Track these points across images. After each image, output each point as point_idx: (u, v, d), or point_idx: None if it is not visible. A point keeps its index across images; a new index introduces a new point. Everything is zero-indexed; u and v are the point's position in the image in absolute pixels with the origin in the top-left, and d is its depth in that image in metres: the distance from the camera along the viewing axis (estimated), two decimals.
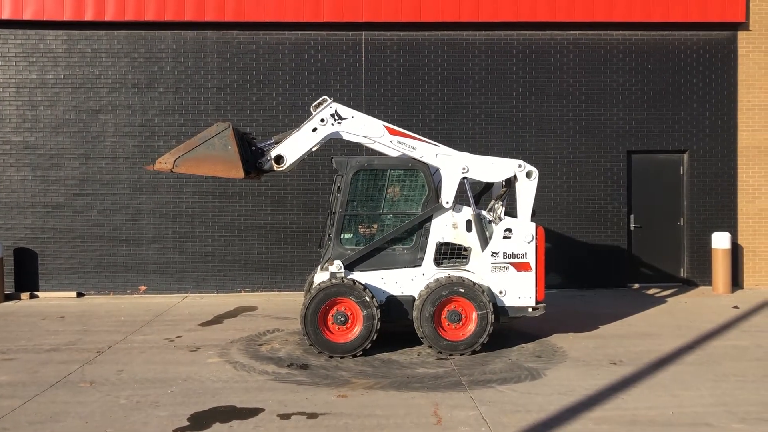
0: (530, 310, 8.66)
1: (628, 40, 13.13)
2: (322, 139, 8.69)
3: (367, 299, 8.22)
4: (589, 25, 13.00)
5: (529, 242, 8.63)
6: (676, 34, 13.14)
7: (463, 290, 8.34)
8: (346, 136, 8.73)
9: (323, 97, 8.85)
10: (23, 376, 7.65)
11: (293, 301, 12.04)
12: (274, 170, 8.67)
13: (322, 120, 8.64)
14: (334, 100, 8.79)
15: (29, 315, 11.07)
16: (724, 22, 12.93)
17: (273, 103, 12.92)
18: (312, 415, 6.32)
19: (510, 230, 8.64)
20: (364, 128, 8.69)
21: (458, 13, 12.67)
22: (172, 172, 8.41)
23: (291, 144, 8.63)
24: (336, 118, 8.64)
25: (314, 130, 8.64)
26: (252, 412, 6.41)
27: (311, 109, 8.91)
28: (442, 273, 8.60)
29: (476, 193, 9.77)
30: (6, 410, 6.50)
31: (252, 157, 8.61)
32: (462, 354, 8.35)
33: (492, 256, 8.62)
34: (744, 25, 13.10)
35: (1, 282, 12.24)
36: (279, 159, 8.63)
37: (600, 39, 13.11)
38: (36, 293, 12.70)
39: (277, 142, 8.82)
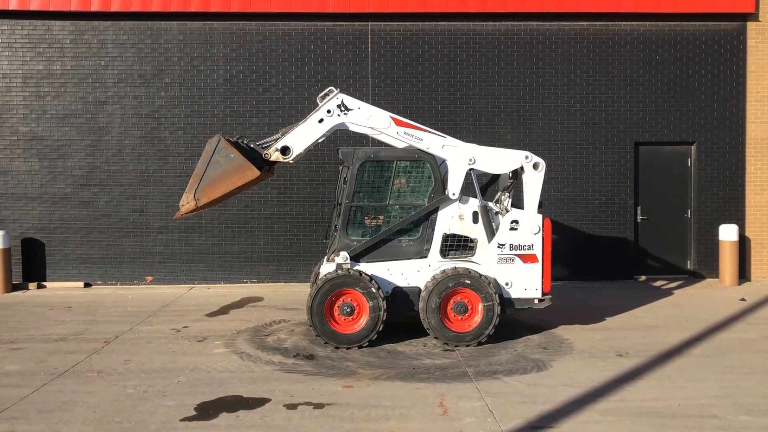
0: (536, 301, 8.65)
1: (637, 30, 13.04)
2: (328, 130, 8.68)
3: (373, 290, 8.23)
4: (597, 15, 12.92)
5: (535, 234, 8.62)
6: (684, 24, 13.05)
7: (469, 282, 8.34)
8: (352, 127, 8.72)
9: (329, 88, 8.83)
10: (31, 365, 7.70)
11: (299, 291, 12.06)
12: (280, 161, 8.67)
13: (329, 111, 8.62)
14: (341, 91, 8.77)
15: (37, 305, 11.13)
16: (733, 12, 12.83)
17: (279, 94, 12.91)
18: (318, 405, 6.35)
19: (517, 222, 8.63)
20: (370, 119, 8.67)
21: (465, 4, 12.61)
22: (197, 208, 8.43)
23: (297, 135, 8.62)
24: (342, 109, 8.62)
25: (320, 121, 8.62)
26: (258, 402, 6.44)
27: (317, 100, 8.89)
28: (449, 264, 8.59)
29: (483, 185, 9.76)
30: (15, 399, 6.55)
31: (256, 153, 8.63)
32: (468, 345, 8.35)
33: (498, 247, 8.61)
34: (753, 16, 12.99)
35: (9, 272, 12.30)
36: (285, 150, 8.62)
37: (608, 30, 13.03)
38: (43, 283, 12.76)
39: (284, 135, 8.81)
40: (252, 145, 8.79)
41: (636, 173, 13.23)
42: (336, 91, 8.70)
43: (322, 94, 8.85)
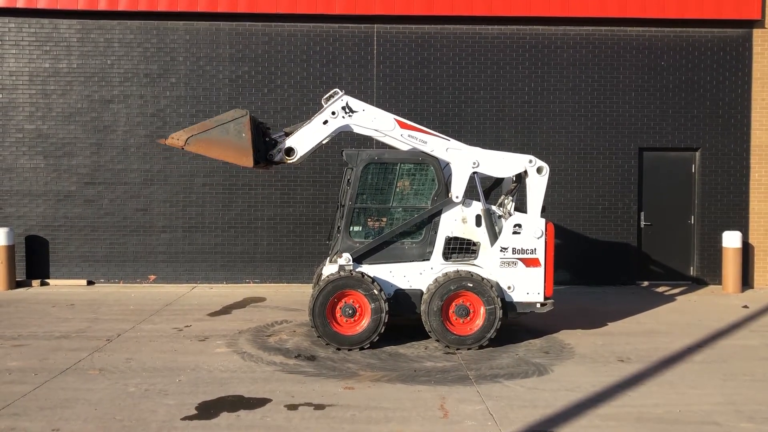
0: (538, 306, 8.64)
1: (642, 36, 13.04)
2: (332, 132, 8.69)
3: (375, 292, 8.23)
4: (602, 20, 12.91)
5: (538, 238, 8.61)
6: (690, 31, 13.04)
7: (471, 285, 8.34)
8: (356, 129, 8.73)
9: (334, 90, 8.84)
10: (34, 362, 7.72)
11: (301, 292, 12.07)
12: (284, 162, 8.69)
13: (333, 113, 8.63)
14: (345, 93, 8.79)
15: (40, 302, 11.16)
16: (739, 19, 12.82)
17: (284, 95, 12.93)
18: (319, 407, 6.35)
19: (519, 225, 8.63)
20: (374, 121, 8.68)
21: (471, 7, 12.62)
22: (182, 148, 8.40)
23: (302, 136, 8.64)
24: (347, 110, 8.64)
25: (325, 122, 8.64)
26: (259, 402, 6.45)
27: (322, 102, 8.91)
28: (451, 267, 8.59)
29: (486, 188, 9.76)
30: (17, 396, 6.57)
31: (264, 147, 8.62)
32: (469, 348, 8.35)
33: (501, 251, 8.61)
34: (760, 23, 12.98)
35: (13, 269, 12.34)
36: (289, 151, 8.65)
37: (613, 35, 13.04)
38: (47, 281, 12.80)
39: (288, 134, 8.83)
40: (268, 139, 8.75)
41: (640, 179, 13.22)
42: (341, 93, 8.71)
43: (327, 95, 8.87)
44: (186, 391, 6.76)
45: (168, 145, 8.51)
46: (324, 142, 8.87)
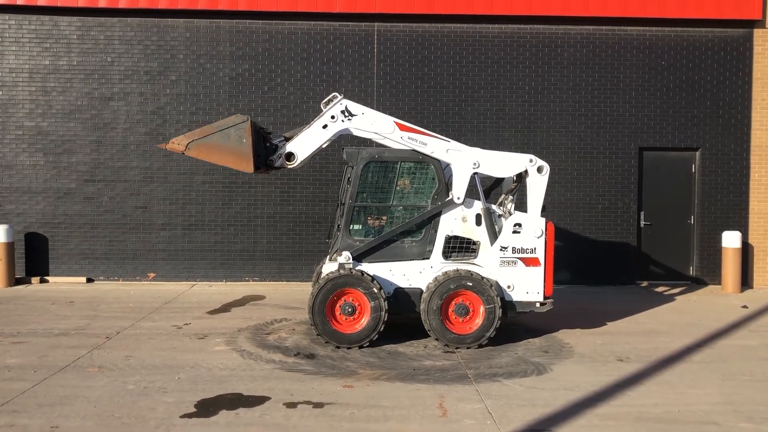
0: (538, 305, 8.65)
1: (643, 36, 13.03)
2: (332, 136, 8.69)
3: (375, 291, 8.23)
4: (603, 20, 12.91)
5: (538, 237, 8.62)
6: (691, 30, 13.03)
7: (471, 284, 8.34)
8: (356, 132, 8.73)
9: (333, 94, 8.84)
10: (33, 359, 7.72)
11: (301, 291, 12.07)
12: (285, 167, 8.70)
13: (333, 117, 8.63)
14: (345, 93, 8.78)
15: (39, 299, 11.16)
16: (740, 19, 12.82)
17: (284, 93, 12.92)
18: (318, 405, 6.35)
19: (519, 225, 8.63)
20: (374, 124, 8.68)
21: (471, 6, 12.61)
22: (183, 153, 8.41)
23: (302, 141, 8.63)
24: (346, 114, 8.63)
25: (325, 126, 8.64)
26: (258, 400, 6.45)
27: (321, 106, 8.91)
28: (451, 266, 8.59)
29: (487, 188, 9.76)
30: (16, 393, 6.57)
31: (264, 152, 8.64)
32: (468, 347, 8.35)
33: (501, 250, 8.61)
34: (760, 23, 12.97)
35: (12, 266, 12.34)
36: (290, 156, 8.65)
37: (614, 34, 13.03)
38: (46, 278, 12.79)
39: (288, 139, 8.82)
40: (268, 144, 8.75)
41: (640, 178, 13.22)
42: (340, 97, 8.71)
43: (326, 99, 8.87)
44: (185, 388, 6.76)
45: (168, 150, 8.51)
46: (324, 146, 8.86)
